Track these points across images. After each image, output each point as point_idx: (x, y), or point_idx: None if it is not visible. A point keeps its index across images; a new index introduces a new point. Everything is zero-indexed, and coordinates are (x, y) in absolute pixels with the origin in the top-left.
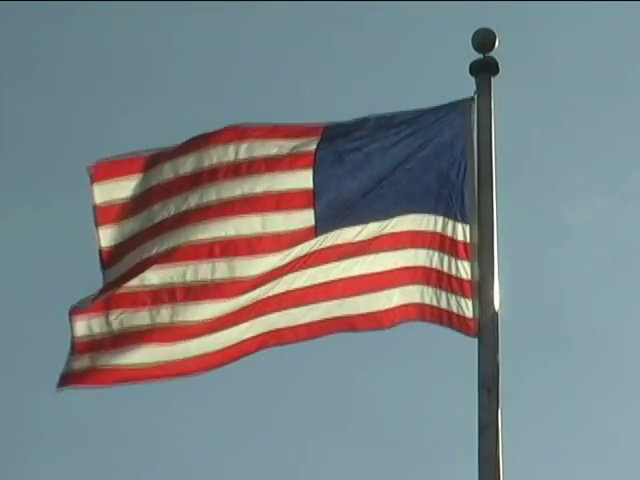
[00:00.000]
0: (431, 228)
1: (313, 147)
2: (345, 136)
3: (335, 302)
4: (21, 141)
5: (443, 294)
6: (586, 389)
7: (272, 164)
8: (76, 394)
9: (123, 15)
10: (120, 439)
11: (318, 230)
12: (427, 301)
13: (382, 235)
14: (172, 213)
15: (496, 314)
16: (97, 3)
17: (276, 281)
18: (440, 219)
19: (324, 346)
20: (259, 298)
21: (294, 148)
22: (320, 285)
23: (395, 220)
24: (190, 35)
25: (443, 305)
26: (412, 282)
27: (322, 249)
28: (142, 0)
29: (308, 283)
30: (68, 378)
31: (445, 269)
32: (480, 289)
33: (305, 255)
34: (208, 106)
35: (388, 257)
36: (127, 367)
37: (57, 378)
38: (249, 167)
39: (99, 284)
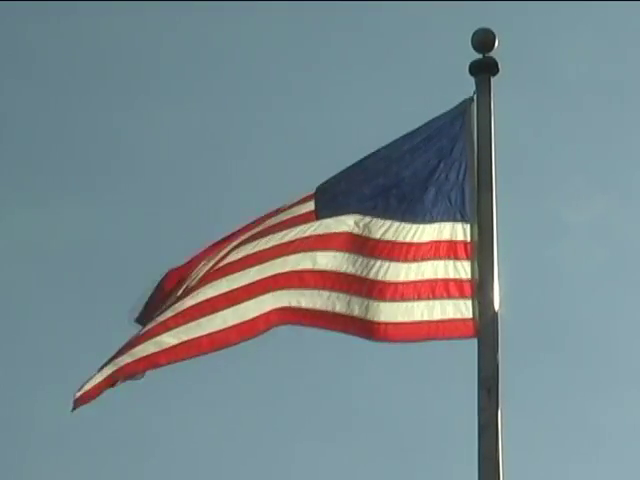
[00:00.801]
0: (424, 238)
1: (312, 207)
2: (338, 183)
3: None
4: (21, 141)
5: (437, 303)
6: (586, 389)
7: (276, 227)
8: (74, 392)
9: (124, 15)
10: (119, 439)
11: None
12: (417, 317)
13: (379, 240)
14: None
15: (496, 314)
16: (98, 3)
17: (283, 258)
18: (436, 226)
19: (323, 345)
20: (270, 274)
21: (291, 212)
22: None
23: (389, 224)
24: (191, 35)
25: (436, 316)
26: (404, 297)
27: (322, 234)
28: (144, 0)
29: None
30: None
31: (440, 276)
32: (480, 289)
33: (307, 237)
34: (208, 106)
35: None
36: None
37: (58, 377)
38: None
39: (97, 284)
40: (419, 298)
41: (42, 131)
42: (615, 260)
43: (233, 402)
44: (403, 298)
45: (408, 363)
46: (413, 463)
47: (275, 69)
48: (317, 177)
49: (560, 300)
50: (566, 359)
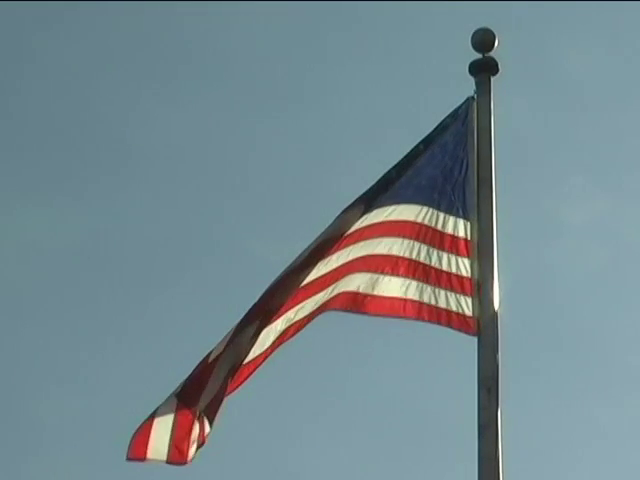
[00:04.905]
0: (433, 224)
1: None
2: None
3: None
4: (22, 141)
5: (442, 292)
6: (585, 389)
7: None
8: (75, 392)
9: (125, 14)
10: (119, 439)
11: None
12: (425, 300)
13: (383, 222)
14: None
15: (496, 314)
16: (101, 3)
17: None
18: (442, 215)
19: (322, 344)
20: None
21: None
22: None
23: (395, 207)
24: (193, 36)
25: (442, 304)
26: (410, 275)
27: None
28: (151, 0)
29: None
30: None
31: (445, 267)
32: (480, 289)
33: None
34: (211, 108)
35: (383, 243)
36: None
37: (58, 377)
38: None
39: (97, 283)
40: (427, 282)
41: (43, 131)
42: (615, 260)
43: (238, 398)
44: (415, 276)
45: (408, 363)
46: (413, 462)
47: (275, 69)
48: (319, 175)
49: (560, 300)
50: (566, 359)
